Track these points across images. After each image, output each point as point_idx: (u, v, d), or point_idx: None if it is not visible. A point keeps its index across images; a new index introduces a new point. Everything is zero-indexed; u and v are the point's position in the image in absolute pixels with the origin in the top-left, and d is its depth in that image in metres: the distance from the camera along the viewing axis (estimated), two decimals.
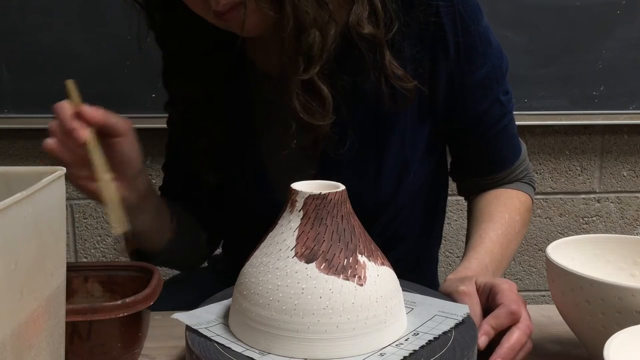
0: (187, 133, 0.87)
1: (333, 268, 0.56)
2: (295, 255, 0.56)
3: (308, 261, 0.56)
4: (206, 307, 0.65)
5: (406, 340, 0.57)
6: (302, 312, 0.54)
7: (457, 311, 0.61)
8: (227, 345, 0.57)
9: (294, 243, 0.57)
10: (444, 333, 0.58)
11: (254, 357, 0.54)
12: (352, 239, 0.57)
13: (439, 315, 0.61)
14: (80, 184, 0.72)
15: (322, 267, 0.55)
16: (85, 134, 0.68)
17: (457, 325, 0.59)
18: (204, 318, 0.62)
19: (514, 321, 0.61)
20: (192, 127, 0.86)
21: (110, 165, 0.72)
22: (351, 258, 0.56)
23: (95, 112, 0.70)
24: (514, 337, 0.60)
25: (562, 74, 1.44)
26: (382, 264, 0.59)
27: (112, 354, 0.63)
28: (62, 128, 0.69)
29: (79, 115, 0.69)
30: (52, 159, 0.70)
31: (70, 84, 0.70)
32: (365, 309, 0.55)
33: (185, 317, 0.61)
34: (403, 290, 0.65)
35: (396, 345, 0.56)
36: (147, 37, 0.85)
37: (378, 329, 0.56)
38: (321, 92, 0.75)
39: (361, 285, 0.56)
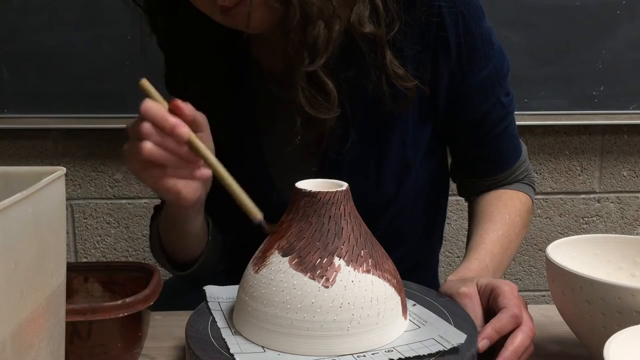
0: None
1: (303, 265, 0.56)
2: (277, 247, 0.58)
3: (284, 255, 0.57)
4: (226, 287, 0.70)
5: (373, 354, 0.55)
6: (265, 300, 0.57)
7: (453, 339, 0.57)
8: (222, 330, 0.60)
9: (280, 236, 0.59)
10: (418, 357, 0.55)
11: (226, 339, 0.58)
12: (334, 241, 0.57)
13: (433, 339, 0.58)
14: (170, 186, 0.67)
15: (293, 263, 0.56)
16: (186, 130, 0.64)
17: (440, 353, 0.55)
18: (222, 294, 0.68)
19: (516, 325, 0.61)
20: None
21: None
22: (326, 259, 0.56)
23: (188, 107, 0.65)
24: (518, 341, 0.60)
25: (562, 74, 1.44)
26: (369, 272, 0.57)
27: (112, 354, 0.63)
28: (159, 128, 0.63)
29: (172, 112, 0.64)
30: (138, 171, 0.66)
31: (147, 84, 0.65)
32: (325, 312, 0.55)
33: (213, 290, 0.68)
34: (420, 304, 0.65)
35: (357, 356, 0.55)
36: (149, 38, 0.85)
37: (337, 335, 0.55)
38: (326, 85, 0.75)
39: (327, 287, 0.55)
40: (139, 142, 0.63)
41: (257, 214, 0.64)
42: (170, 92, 0.89)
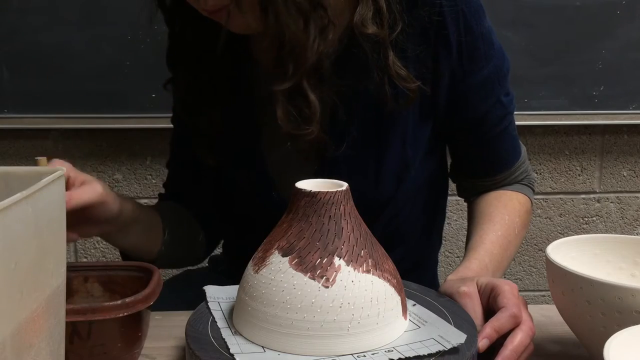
0: (187, 113, 0.88)
1: (303, 265, 0.56)
2: (277, 247, 0.58)
3: (284, 255, 0.57)
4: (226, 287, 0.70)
5: (373, 354, 0.55)
6: (265, 301, 0.57)
7: (453, 339, 0.57)
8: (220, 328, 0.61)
9: (280, 236, 0.59)
10: (418, 357, 0.55)
11: (226, 339, 0.58)
12: (334, 241, 0.57)
13: (433, 339, 0.58)
14: None
15: (293, 263, 0.56)
16: None
17: (440, 353, 0.55)
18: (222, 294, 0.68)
19: (516, 324, 0.61)
20: (193, 107, 0.86)
21: (90, 223, 0.72)
22: (326, 259, 0.56)
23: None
24: (517, 340, 0.60)
25: (562, 74, 1.44)
26: (369, 272, 0.57)
27: (112, 354, 0.63)
28: None
29: None
30: None
31: (42, 163, 0.67)
32: (325, 312, 0.55)
33: (213, 290, 0.68)
34: (420, 304, 0.65)
35: (357, 356, 0.55)
36: (148, 37, 0.85)
37: (337, 335, 0.55)
38: (308, 99, 0.75)
39: (327, 287, 0.55)
40: None
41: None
42: (172, 69, 0.89)
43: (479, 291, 0.67)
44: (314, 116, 0.75)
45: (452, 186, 0.98)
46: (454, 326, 0.60)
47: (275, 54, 0.73)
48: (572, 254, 0.69)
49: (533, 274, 1.63)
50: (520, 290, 0.66)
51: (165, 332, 0.72)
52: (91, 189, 0.70)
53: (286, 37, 0.71)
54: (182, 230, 0.92)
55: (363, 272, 0.57)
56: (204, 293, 0.68)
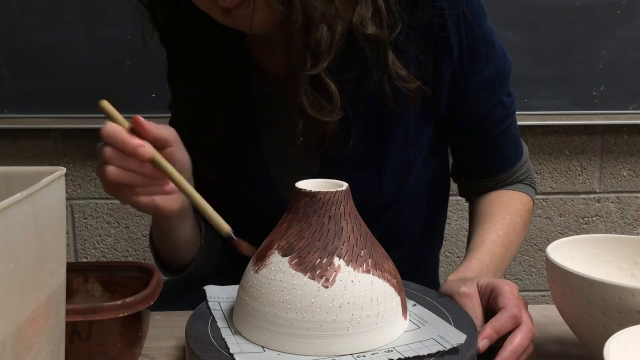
0: (191, 131, 0.87)
1: (303, 265, 0.56)
2: (277, 247, 0.58)
3: (284, 255, 0.57)
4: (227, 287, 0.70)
5: (373, 354, 0.55)
6: (265, 300, 0.57)
7: (453, 339, 0.56)
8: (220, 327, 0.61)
9: (280, 236, 0.59)
10: (418, 357, 0.55)
11: (226, 338, 0.58)
12: (333, 241, 0.57)
13: (433, 339, 0.58)
14: (146, 202, 0.69)
15: (293, 263, 0.56)
16: (148, 150, 0.65)
17: (440, 353, 0.55)
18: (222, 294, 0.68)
19: (515, 325, 0.61)
20: (197, 125, 0.86)
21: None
22: (325, 259, 0.56)
23: (149, 126, 0.66)
24: (517, 341, 0.60)
25: (562, 74, 1.44)
26: (368, 272, 0.57)
27: (112, 354, 0.63)
28: (121, 151, 0.64)
29: (132, 132, 0.65)
30: (111, 191, 0.68)
31: (107, 105, 0.66)
32: (324, 312, 0.55)
33: (213, 290, 0.68)
34: (420, 304, 0.65)
35: (356, 356, 0.55)
36: (150, 36, 0.85)
37: (337, 335, 0.55)
38: (329, 88, 0.75)
39: (327, 287, 0.55)
40: (104, 166, 0.65)
41: (224, 227, 0.66)
42: (173, 87, 0.89)
43: (479, 291, 0.67)
44: (335, 100, 0.75)
45: (452, 186, 0.98)
46: (454, 326, 0.60)
47: (301, 38, 0.72)
48: (572, 254, 0.69)
49: (533, 274, 1.63)
50: (520, 290, 0.65)
51: (165, 332, 0.72)
52: (167, 128, 0.69)
53: (317, 15, 0.71)
54: (208, 231, 0.91)
55: (363, 272, 0.57)
56: (204, 293, 0.68)
